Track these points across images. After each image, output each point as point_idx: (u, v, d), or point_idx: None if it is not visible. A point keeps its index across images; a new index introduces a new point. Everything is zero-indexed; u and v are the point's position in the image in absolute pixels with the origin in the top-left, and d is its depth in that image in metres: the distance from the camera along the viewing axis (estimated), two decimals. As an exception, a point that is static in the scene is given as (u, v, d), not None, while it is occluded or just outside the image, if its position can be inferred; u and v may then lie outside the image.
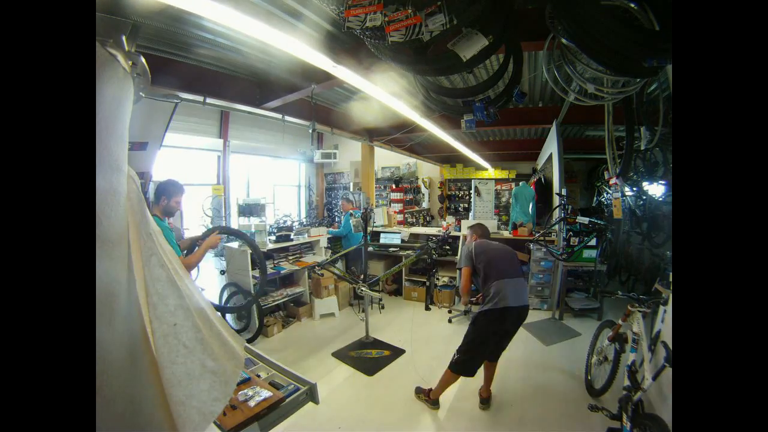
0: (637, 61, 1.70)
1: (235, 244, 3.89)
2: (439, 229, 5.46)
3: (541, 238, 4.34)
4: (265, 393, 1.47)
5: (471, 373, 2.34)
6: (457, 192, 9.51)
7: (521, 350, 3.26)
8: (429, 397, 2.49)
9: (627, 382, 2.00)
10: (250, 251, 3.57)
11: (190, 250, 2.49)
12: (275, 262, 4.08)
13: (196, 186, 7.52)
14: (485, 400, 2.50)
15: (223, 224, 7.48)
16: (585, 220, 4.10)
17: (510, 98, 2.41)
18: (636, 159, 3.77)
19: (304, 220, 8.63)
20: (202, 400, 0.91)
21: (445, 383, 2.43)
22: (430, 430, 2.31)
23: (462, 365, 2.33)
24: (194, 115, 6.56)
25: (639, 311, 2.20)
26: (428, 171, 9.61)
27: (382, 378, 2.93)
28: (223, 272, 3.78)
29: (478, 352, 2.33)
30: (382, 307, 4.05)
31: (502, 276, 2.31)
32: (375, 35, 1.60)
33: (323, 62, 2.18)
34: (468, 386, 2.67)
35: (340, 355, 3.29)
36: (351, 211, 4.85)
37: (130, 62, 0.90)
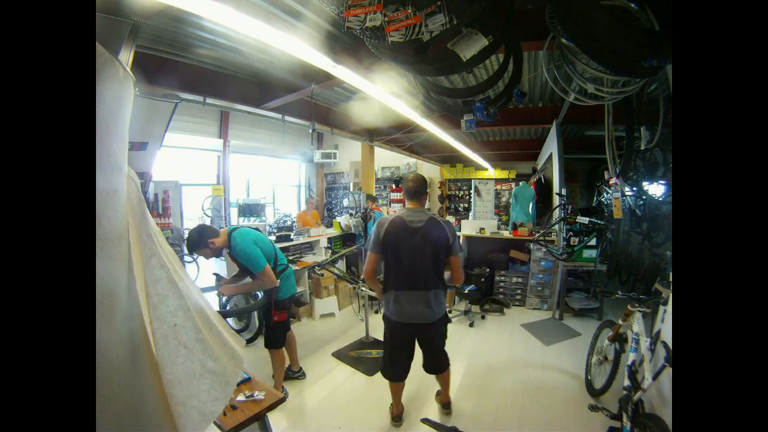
0: (637, 61, 1.70)
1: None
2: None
3: (541, 238, 4.34)
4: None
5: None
6: (457, 192, 9.51)
7: (521, 350, 3.25)
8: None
9: (627, 382, 2.00)
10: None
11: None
12: (275, 262, 4.07)
13: (196, 186, 7.53)
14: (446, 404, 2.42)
15: (223, 224, 7.47)
16: (585, 220, 4.10)
17: (510, 98, 2.41)
18: (636, 159, 3.77)
19: (304, 220, 8.62)
20: (202, 401, 0.91)
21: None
22: (429, 429, 2.31)
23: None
24: (194, 115, 6.53)
25: (639, 311, 2.20)
26: (428, 171, 9.60)
27: (382, 378, 2.91)
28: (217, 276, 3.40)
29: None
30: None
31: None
32: (375, 35, 1.59)
33: (323, 62, 2.18)
34: (468, 386, 2.67)
35: (340, 355, 3.29)
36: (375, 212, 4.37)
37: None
